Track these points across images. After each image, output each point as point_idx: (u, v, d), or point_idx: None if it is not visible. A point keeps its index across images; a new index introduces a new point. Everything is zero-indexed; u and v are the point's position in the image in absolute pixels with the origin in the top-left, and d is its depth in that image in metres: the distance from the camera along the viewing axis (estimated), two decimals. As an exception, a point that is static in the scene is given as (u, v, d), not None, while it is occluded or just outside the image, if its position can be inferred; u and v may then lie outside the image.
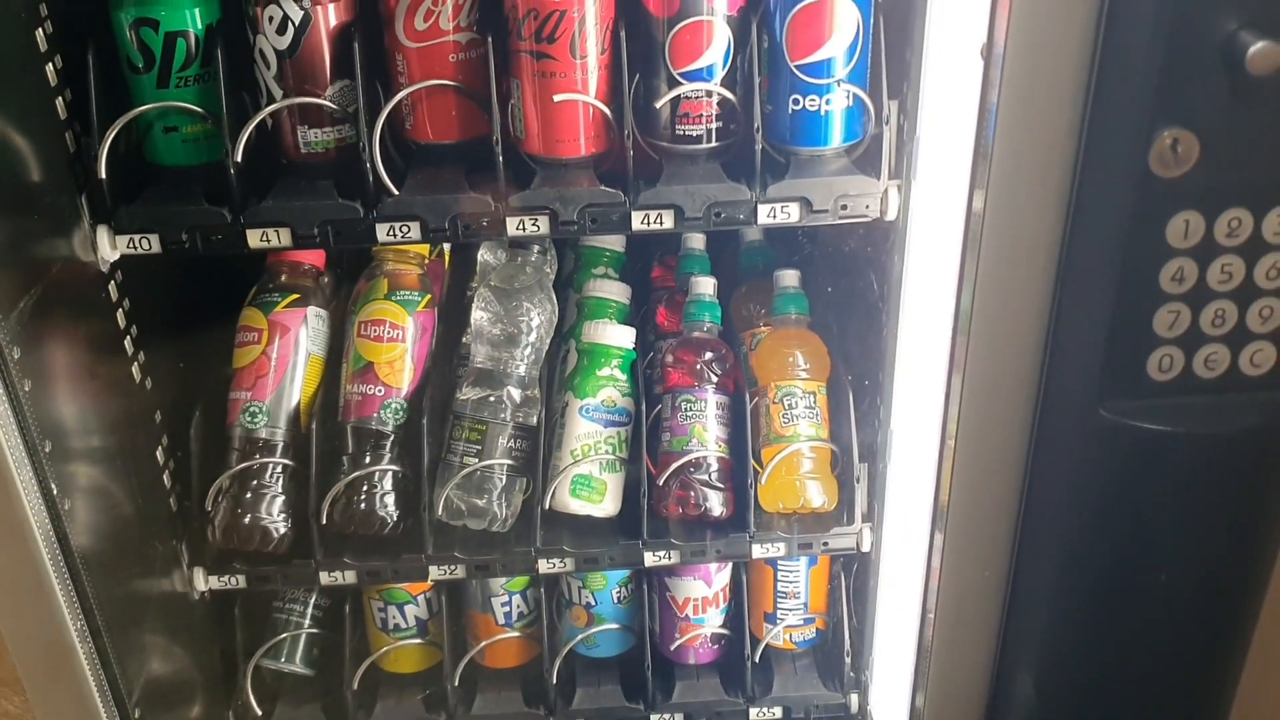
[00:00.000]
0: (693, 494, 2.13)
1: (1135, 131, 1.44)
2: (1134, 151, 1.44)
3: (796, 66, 1.86)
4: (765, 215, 1.91)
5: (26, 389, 1.68)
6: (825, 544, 2.17)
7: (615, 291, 2.40)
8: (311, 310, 2.21)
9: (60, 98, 1.85)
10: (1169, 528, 1.73)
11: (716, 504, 2.13)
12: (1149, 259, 1.50)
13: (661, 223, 1.92)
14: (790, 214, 1.91)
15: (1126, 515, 1.72)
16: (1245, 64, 1.32)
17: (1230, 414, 1.57)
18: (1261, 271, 1.51)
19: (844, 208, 1.90)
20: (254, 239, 1.89)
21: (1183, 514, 1.71)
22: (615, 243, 2.55)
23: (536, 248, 2.38)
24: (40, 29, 1.80)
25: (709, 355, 2.21)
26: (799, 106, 1.89)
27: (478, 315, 2.25)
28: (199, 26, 1.85)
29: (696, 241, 2.57)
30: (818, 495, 2.13)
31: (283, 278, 2.25)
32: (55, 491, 1.74)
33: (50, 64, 1.82)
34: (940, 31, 1.73)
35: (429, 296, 2.25)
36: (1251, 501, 1.68)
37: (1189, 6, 1.38)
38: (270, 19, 1.84)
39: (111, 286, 2.01)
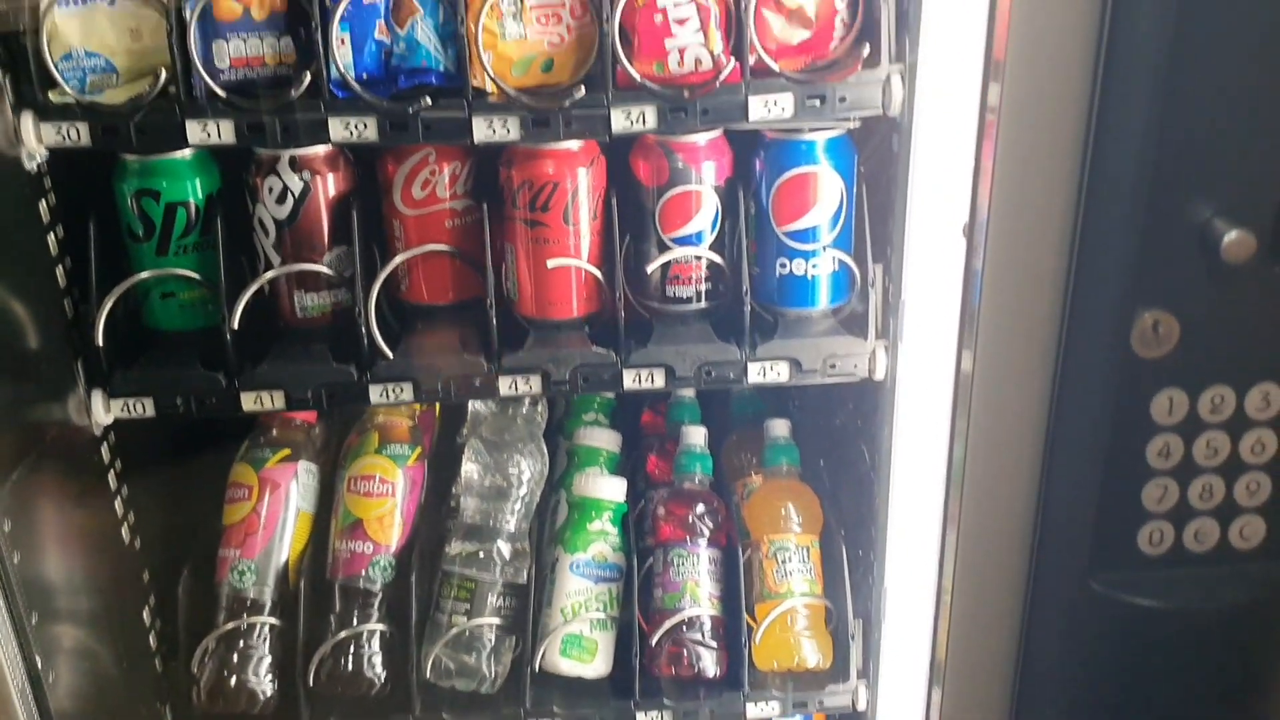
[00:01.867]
0: (686, 653, 2.11)
1: (1116, 312, 1.48)
2: (1116, 331, 1.48)
3: (783, 232, 1.91)
4: (755, 374, 1.93)
5: (15, 561, 1.67)
6: (821, 702, 2.15)
7: (606, 440, 2.41)
8: (302, 465, 2.21)
9: (60, 266, 1.88)
10: (1163, 699, 1.72)
11: (710, 663, 2.11)
12: (1135, 434, 1.52)
13: (653, 382, 1.94)
14: (780, 373, 1.94)
15: (1121, 685, 1.71)
16: (1220, 251, 1.36)
17: (1221, 587, 1.58)
18: (1247, 446, 1.53)
19: (832, 367, 1.93)
20: (248, 402, 1.91)
21: (1176, 686, 1.70)
22: (606, 390, 2.57)
23: (528, 398, 2.39)
24: (44, 200, 1.84)
25: (701, 509, 2.21)
26: (786, 270, 1.93)
27: (468, 468, 2.25)
28: (199, 196, 1.89)
29: (687, 389, 2.59)
30: (813, 653, 2.11)
31: (274, 432, 2.25)
32: (40, 665, 1.72)
33: (52, 233, 1.86)
34: (922, 203, 1.78)
35: (419, 450, 2.26)
36: (1244, 675, 1.68)
37: (1164, 194, 1.43)
38: (270, 189, 1.88)
39: (104, 449, 2.01)
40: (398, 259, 1.95)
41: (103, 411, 1.89)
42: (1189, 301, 1.47)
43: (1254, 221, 1.39)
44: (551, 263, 1.91)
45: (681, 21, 1.74)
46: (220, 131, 1.75)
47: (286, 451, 2.21)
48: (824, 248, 1.91)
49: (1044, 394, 1.61)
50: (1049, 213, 1.56)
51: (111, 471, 2.04)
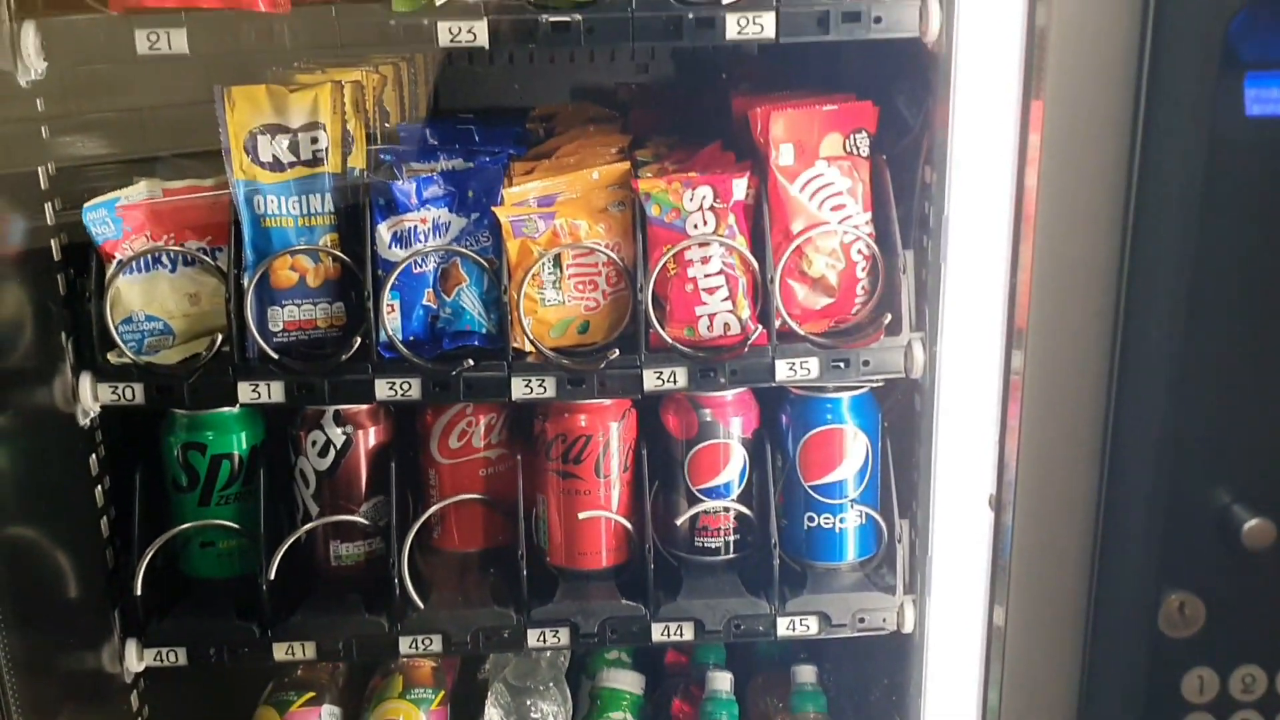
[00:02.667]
0: None
1: (1142, 593, 1.50)
2: (1143, 611, 1.50)
3: (810, 487, 1.95)
4: (784, 628, 1.94)
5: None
6: None
7: (629, 682, 2.39)
8: (326, 709, 2.20)
9: (105, 516, 1.93)
10: None
11: None
12: (1167, 712, 1.52)
13: (682, 635, 1.95)
14: (809, 627, 1.95)
15: None
16: (1241, 537, 1.40)
17: None
18: (1282, 727, 1.52)
19: (861, 621, 1.94)
20: (279, 652, 1.91)
21: None
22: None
23: (553, 641, 2.39)
24: (94, 454, 1.90)
25: (728, 758, 2.18)
26: (814, 523, 1.97)
27: (491, 713, 2.23)
28: (244, 449, 1.95)
29: (711, 627, 2.59)
30: None
31: (299, 672, 2.25)
32: None
33: (99, 485, 1.91)
34: (947, 462, 1.83)
35: (442, 693, 2.25)
36: None
37: (1184, 480, 1.48)
38: (313, 442, 1.94)
39: (133, 696, 2.01)
40: (432, 509, 2.00)
41: (135, 660, 1.91)
42: (1214, 584, 1.50)
43: (1274, 509, 1.44)
44: (583, 514, 1.95)
45: (712, 290, 1.84)
46: (270, 391, 1.82)
47: (311, 695, 2.21)
48: (850, 502, 1.95)
49: (1075, 662, 1.61)
50: (1074, 487, 1.60)
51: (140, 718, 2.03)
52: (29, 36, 1.66)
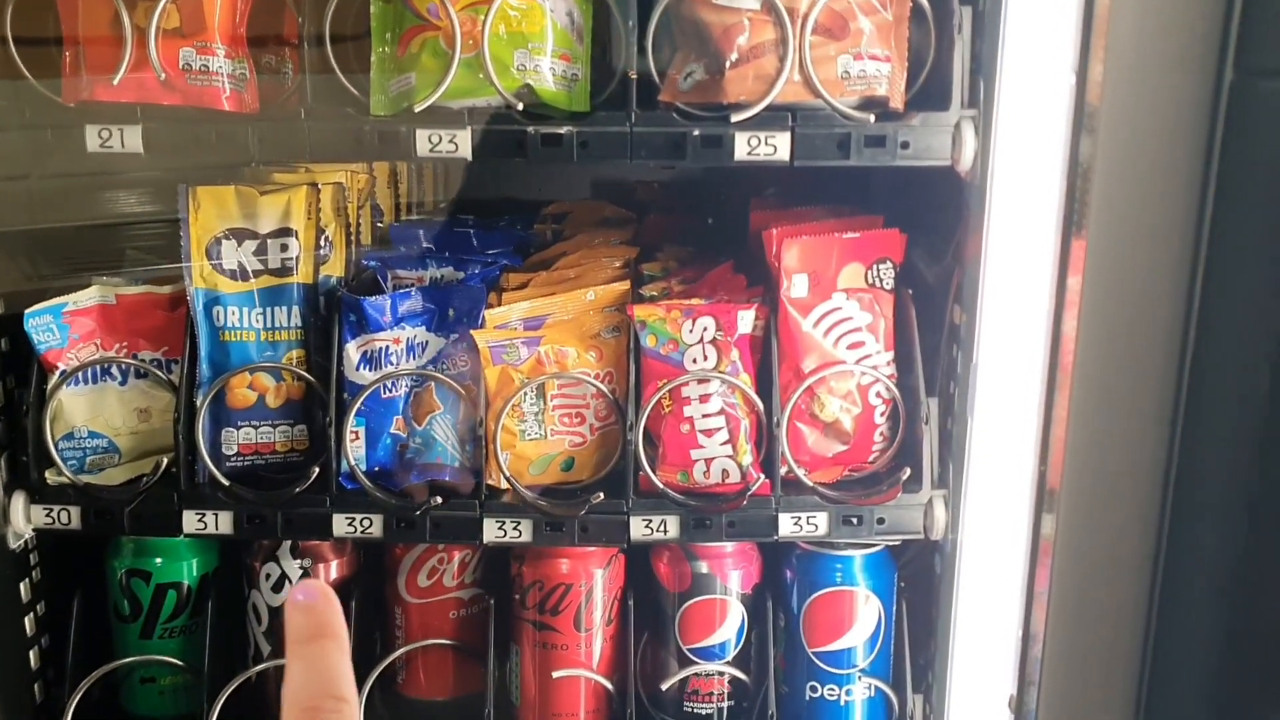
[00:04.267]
0: None
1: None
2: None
3: (814, 653, 1.74)
4: (782, 820, 1.73)
5: None
6: None
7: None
8: None
9: (36, 646, 1.76)
10: None
11: None
12: None
13: (665, 818, 1.74)
14: (808, 818, 1.73)
15: None
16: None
17: None
18: None
19: (867, 811, 1.72)
20: (218, 806, 1.72)
21: None
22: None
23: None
24: (27, 579, 1.74)
25: None
26: (817, 694, 1.75)
27: None
28: (193, 577, 1.78)
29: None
30: None
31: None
32: None
33: (31, 613, 1.75)
34: (969, 633, 1.62)
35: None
36: None
37: (1235, 696, 1.27)
38: (268, 575, 1.77)
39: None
40: (396, 653, 1.81)
41: (60, 811, 1.72)
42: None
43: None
44: (558, 673, 1.75)
45: (710, 432, 1.65)
46: (218, 522, 1.66)
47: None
48: (859, 673, 1.73)
49: None
50: (1110, 682, 1.39)
51: None
52: (-27, 126, 1.52)
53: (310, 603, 0.78)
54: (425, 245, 2.02)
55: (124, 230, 1.83)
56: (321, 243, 1.73)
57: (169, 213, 1.67)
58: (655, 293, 1.82)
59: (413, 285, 1.83)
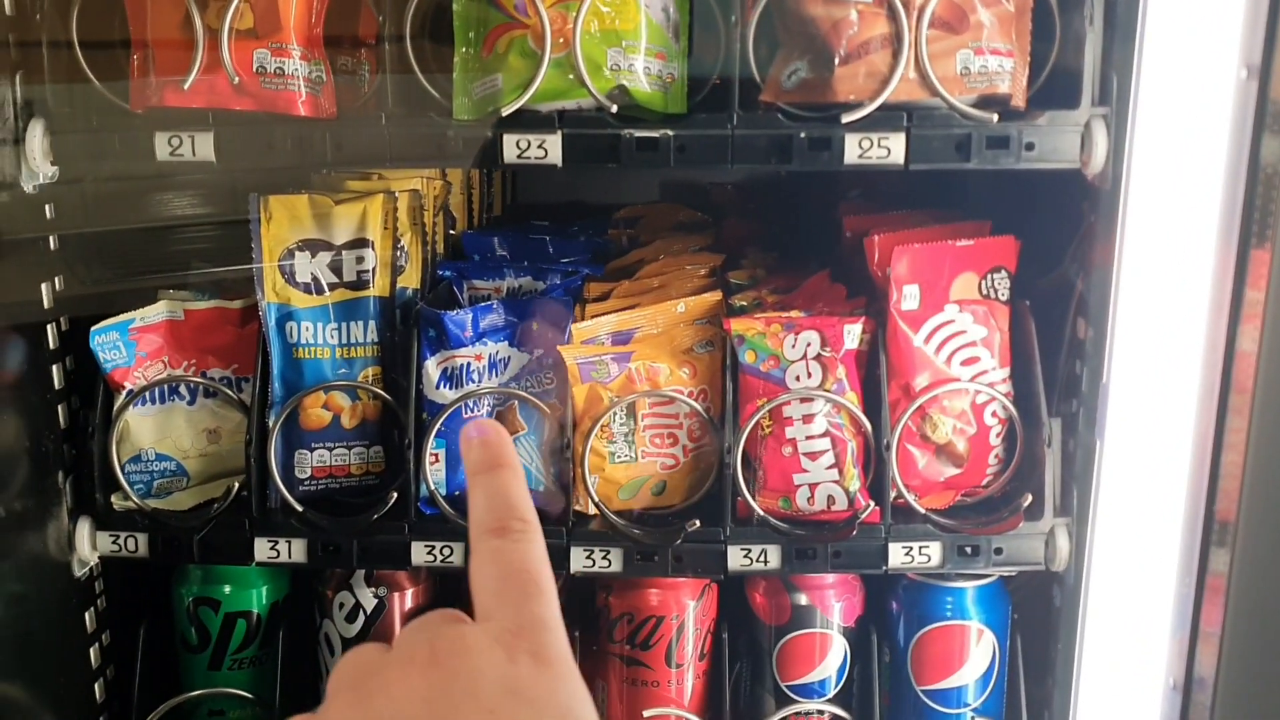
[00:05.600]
0: None
1: None
2: None
3: (924, 691, 1.63)
4: None
5: None
6: None
7: None
8: None
9: (101, 678, 1.68)
10: None
11: None
12: None
13: None
14: None
15: None
16: None
17: None
18: None
19: None
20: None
21: None
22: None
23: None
24: (91, 608, 1.66)
25: None
26: (926, 736, 1.63)
27: None
28: (262, 606, 1.70)
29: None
30: None
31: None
32: None
33: (96, 643, 1.67)
34: (1094, 683, 1.50)
35: None
36: None
37: None
38: (340, 605, 1.68)
39: None
40: (475, 686, 1.71)
41: None
42: None
43: None
44: (649, 712, 1.64)
45: (814, 455, 1.54)
46: (291, 551, 1.57)
47: None
48: (972, 713, 1.61)
49: None
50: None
51: None
52: (36, 137, 1.44)
53: (484, 437, 0.81)
54: (501, 253, 1.93)
55: (189, 233, 1.74)
56: (398, 253, 1.64)
57: (236, 215, 1.59)
58: (746, 303, 1.71)
59: (490, 296, 1.74)
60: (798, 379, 1.54)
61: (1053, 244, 1.61)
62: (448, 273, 1.77)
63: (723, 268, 1.84)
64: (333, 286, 1.59)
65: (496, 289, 1.77)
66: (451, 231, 1.98)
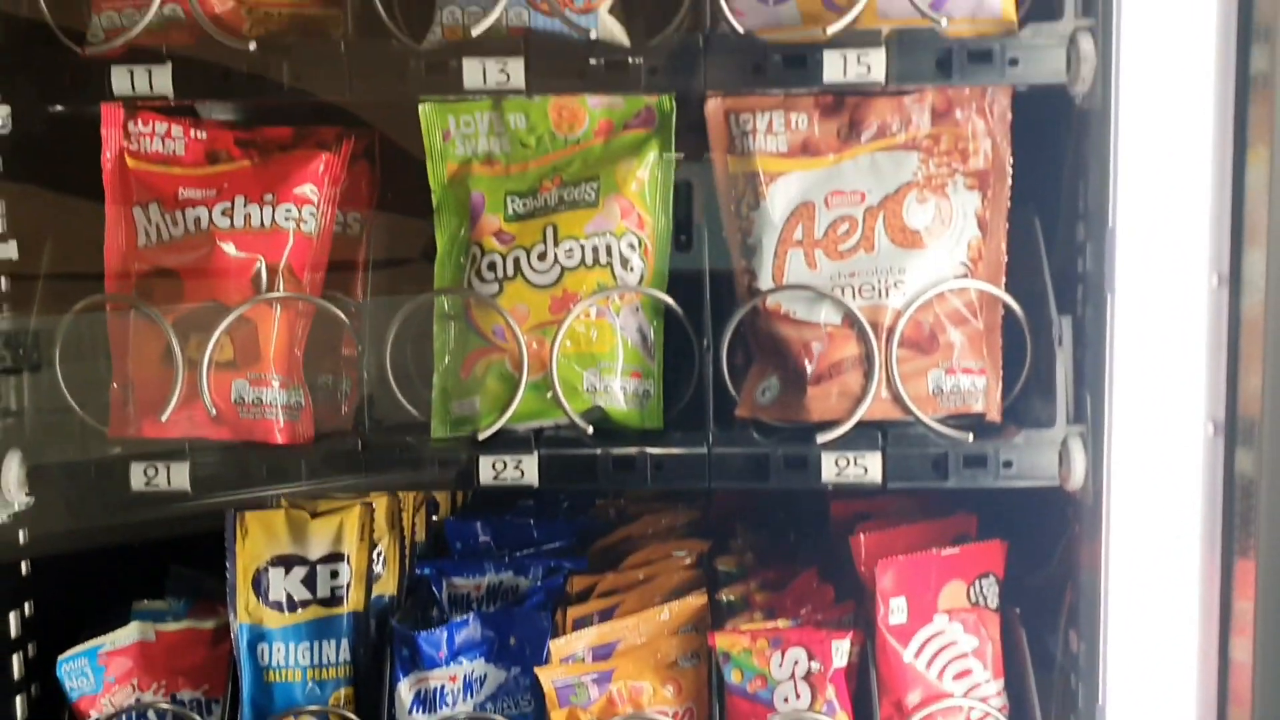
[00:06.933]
0: None
1: None
2: None
3: None
4: None
5: None
6: None
7: None
8: None
9: None
10: None
11: None
12: None
13: None
14: None
15: None
16: None
17: None
18: None
19: None
20: None
21: None
22: None
23: None
24: None
25: None
26: None
27: None
28: None
29: None
30: None
31: None
32: None
33: None
34: None
35: None
36: None
37: None
38: None
39: None
40: None
41: None
42: None
43: None
44: None
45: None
46: None
47: None
48: None
49: None
50: None
51: None
52: (12, 469, 1.44)
53: None
54: (484, 539, 1.90)
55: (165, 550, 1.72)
56: (374, 558, 1.62)
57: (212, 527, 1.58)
58: (734, 598, 1.68)
59: (470, 595, 1.71)
60: (786, 700, 1.49)
61: (1036, 541, 1.59)
62: (427, 570, 1.74)
63: (710, 554, 1.81)
64: (306, 604, 1.56)
65: (477, 586, 1.75)
66: (434, 518, 1.96)
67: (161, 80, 1.39)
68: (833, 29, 1.35)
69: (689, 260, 1.56)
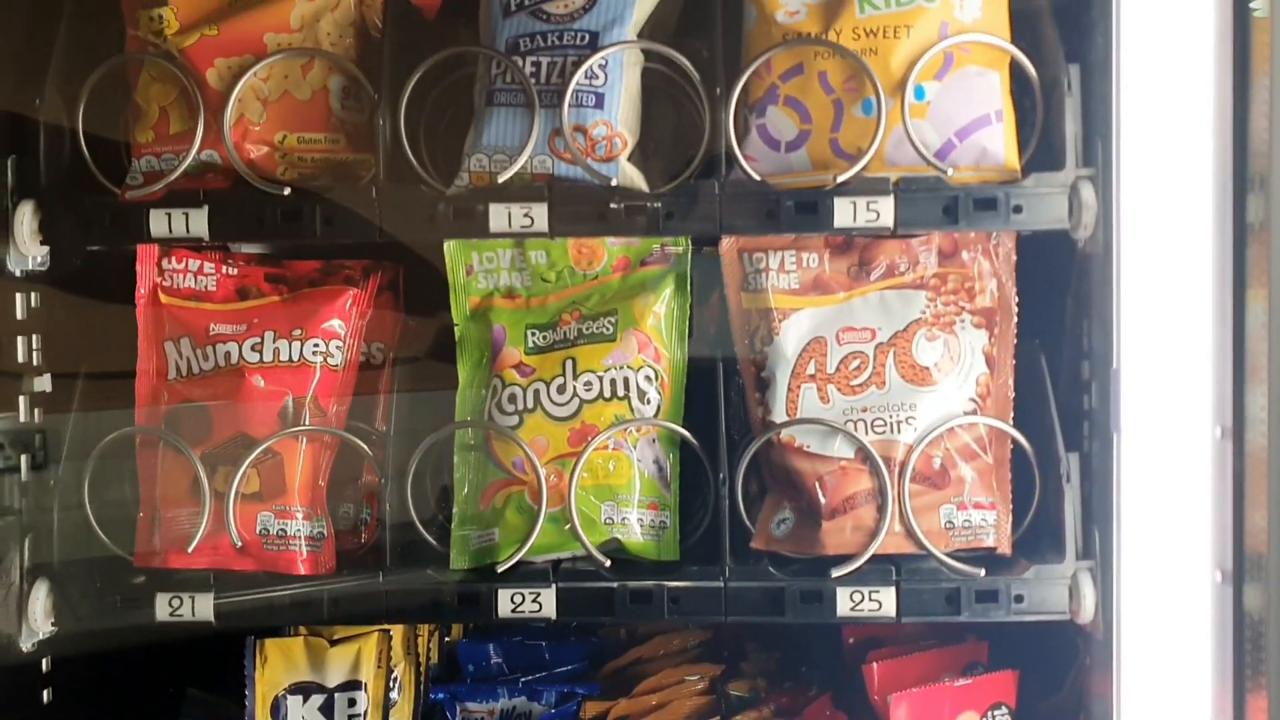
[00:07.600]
0: None
1: None
2: None
3: None
4: None
5: None
6: None
7: None
8: None
9: None
10: None
11: None
12: None
13: None
14: None
15: None
16: None
17: None
18: None
19: None
20: None
21: None
22: None
23: None
24: None
25: None
26: None
27: None
28: None
29: None
30: None
31: None
32: None
33: None
34: None
35: None
36: None
37: None
38: None
39: None
40: None
41: None
42: None
43: None
44: None
45: None
46: None
47: None
48: None
49: None
50: None
51: None
52: (39, 598, 1.47)
53: None
54: (496, 660, 1.91)
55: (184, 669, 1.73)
56: (391, 684, 1.63)
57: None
58: (746, 725, 1.68)
59: (484, 719, 1.72)
60: (802, 841, 1.49)
61: (1050, 663, 1.60)
62: (441, 695, 1.74)
63: (724, 678, 1.81)
64: (323, 734, 1.57)
65: (490, 711, 1.76)
66: (446, 639, 1.97)
67: (198, 223, 1.44)
68: (842, 177, 1.41)
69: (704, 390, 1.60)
